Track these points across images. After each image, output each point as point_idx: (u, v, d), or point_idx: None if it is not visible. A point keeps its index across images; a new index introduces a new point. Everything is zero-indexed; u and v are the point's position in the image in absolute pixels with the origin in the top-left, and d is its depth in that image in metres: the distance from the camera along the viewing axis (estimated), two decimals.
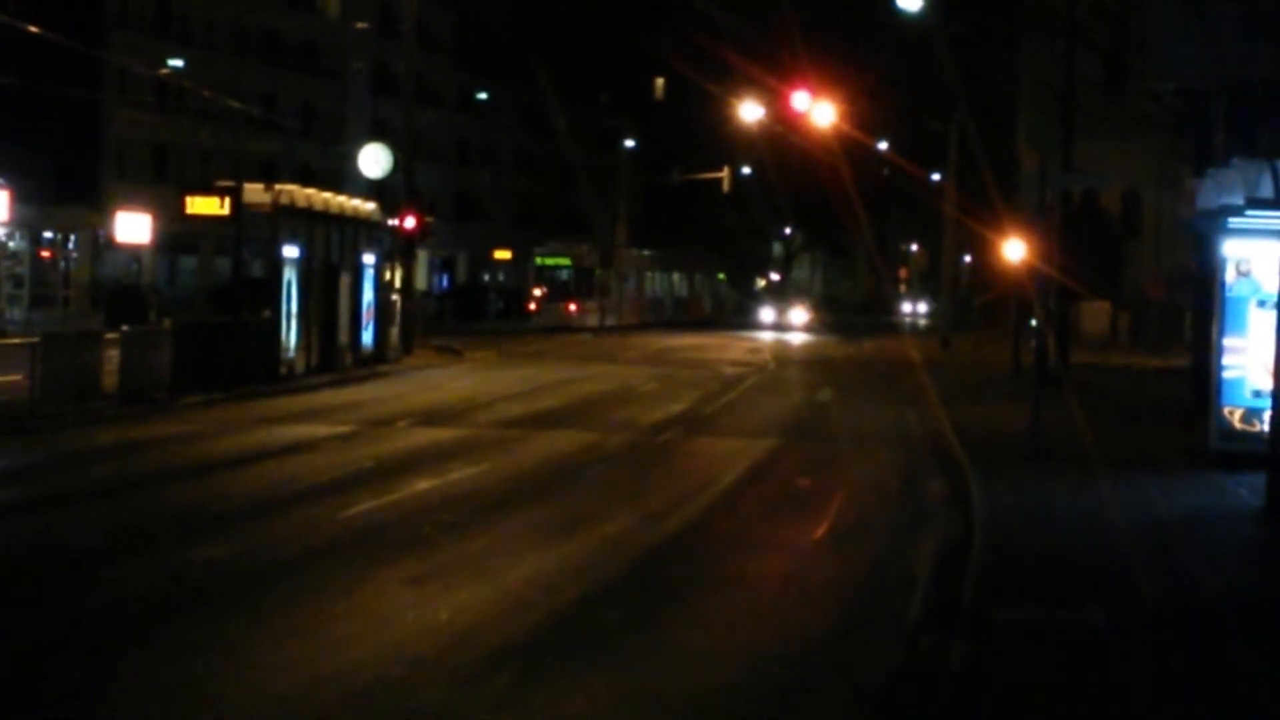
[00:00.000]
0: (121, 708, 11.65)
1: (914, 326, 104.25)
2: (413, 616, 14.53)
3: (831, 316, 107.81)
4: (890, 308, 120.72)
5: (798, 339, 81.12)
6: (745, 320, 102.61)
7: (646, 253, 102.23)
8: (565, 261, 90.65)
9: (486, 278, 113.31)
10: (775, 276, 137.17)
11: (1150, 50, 22.46)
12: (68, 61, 58.82)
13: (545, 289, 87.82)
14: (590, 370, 49.11)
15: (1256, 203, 23.14)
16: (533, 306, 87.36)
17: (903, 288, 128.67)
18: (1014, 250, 31.14)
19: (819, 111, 58.90)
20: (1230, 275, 24.49)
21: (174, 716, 11.51)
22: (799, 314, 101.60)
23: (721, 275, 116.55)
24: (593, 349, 63.65)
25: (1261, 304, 23.88)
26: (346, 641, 13.62)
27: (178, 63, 72.82)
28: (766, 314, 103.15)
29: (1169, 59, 21.98)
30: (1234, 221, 24.14)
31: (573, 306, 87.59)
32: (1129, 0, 25.03)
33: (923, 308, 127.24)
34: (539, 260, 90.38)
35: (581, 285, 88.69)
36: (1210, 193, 25.70)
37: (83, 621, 14.32)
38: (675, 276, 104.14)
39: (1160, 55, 22.59)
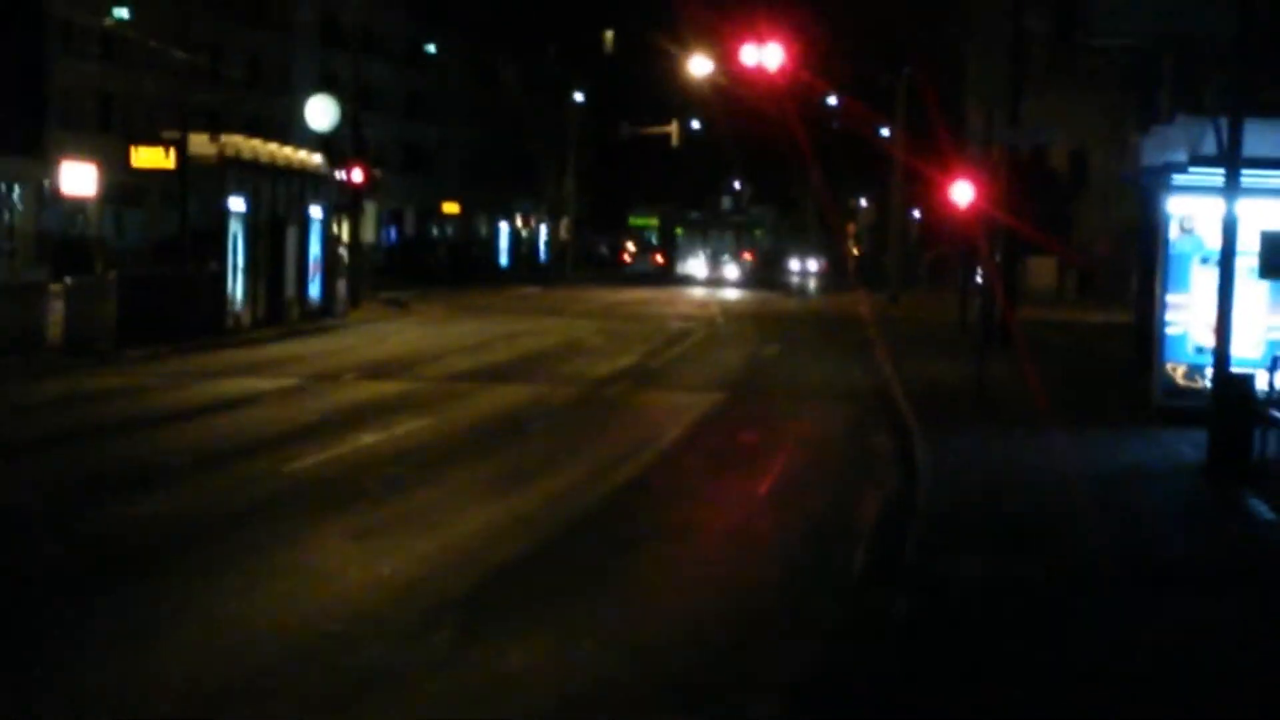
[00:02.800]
0: (58, 663, 11.58)
1: (802, 289, 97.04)
2: (355, 571, 14.52)
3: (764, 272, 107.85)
4: (775, 266, 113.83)
5: (740, 294, 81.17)
6: (680, 275, 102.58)
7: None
8: (653, 222, 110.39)
9: (435, 231, 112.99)
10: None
11: (1095, 6, 22.46)
12: (9, 12, 58.42)
13: (635, 243, 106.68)
14: (538, 324, 49.07)
15: (1200, 160, 23.22)
16: (627, 259, 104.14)
17: (850, 243, 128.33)
18: (961, 193, 31.10)
19: (769, 56, 58.66)
20: (1173, 232, 24.61)
21: (110, 672, 11.46)
22: (732, 269, 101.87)
23: (758, 231, 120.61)
24: (541, 303, 63.61)
25: (1204, 261, 24.00)
26: (288, 596, 13.61)
27: (123, 12, 72.22)
28: (697, 268, 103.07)
29: (1114, 14, 21.99)
30: (1177, 179, 24.24)
31: (659, 258, 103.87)
32: None
33: (813, 265, 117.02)
34: (631, 220, 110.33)
35: (665, 241, 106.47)
36: (1154, 150, 25.75)
37: (21, 575, 14.27)
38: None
39: (1105, 11, 22.62)
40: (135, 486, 18.69)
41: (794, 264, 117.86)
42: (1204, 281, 23.64)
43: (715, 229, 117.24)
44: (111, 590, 13.72)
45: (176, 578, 14.23)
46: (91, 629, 12.47)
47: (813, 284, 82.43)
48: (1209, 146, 22.22)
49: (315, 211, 46.11)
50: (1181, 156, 23.79)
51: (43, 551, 15.25)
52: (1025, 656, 11.95)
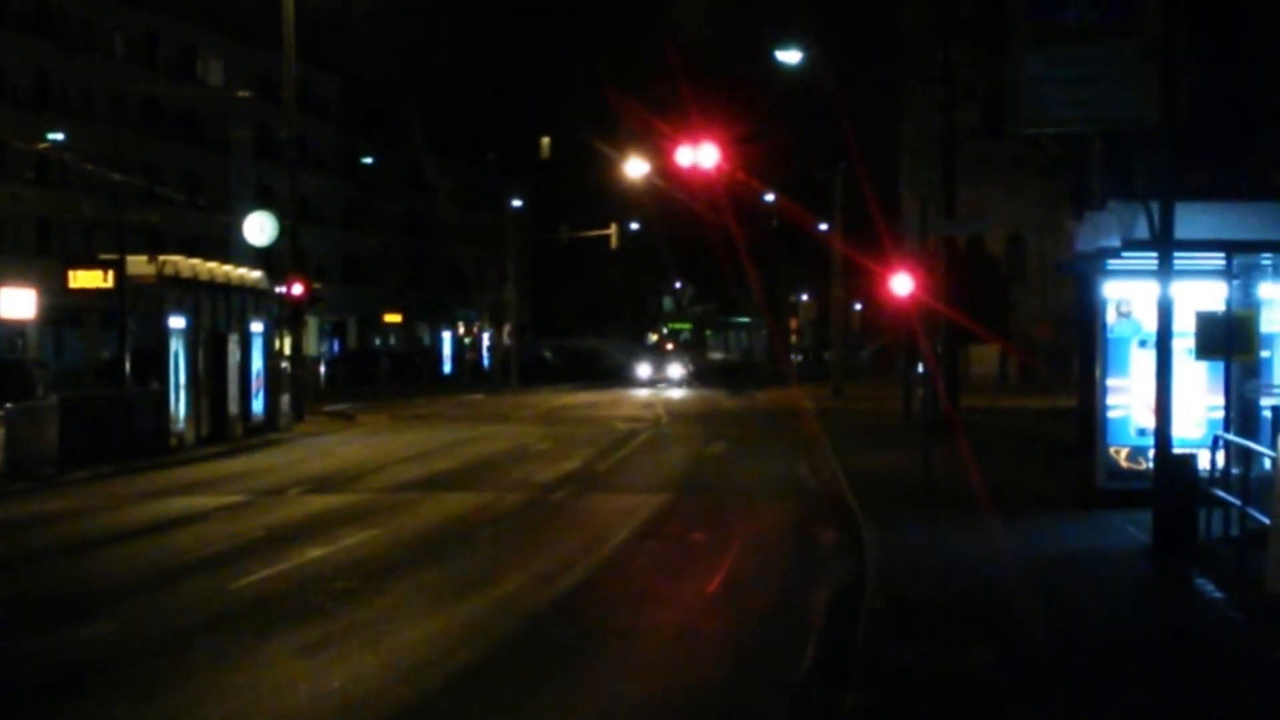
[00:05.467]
0: None
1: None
2: (304, 687, 14.42)
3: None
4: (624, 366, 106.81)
5: (684, 393, 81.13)
6: (626, 377, 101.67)
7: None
8: (687, 325, 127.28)
9: (377, 341, 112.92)
10: (667, 331, 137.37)
11: (1023, 96, 22.69)
12: None
13: (673, 344, 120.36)
14: (483, 431, 49.00)
15: (1133, 244, 23.39)
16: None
17: (794, 338, 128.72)
18: (900, 285, 31.31)
19: (704, 157, 59.03)
20: (1111, 316, 24.78)
21: None
22: (676, 369, 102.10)
23: (765, 330, 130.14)
24: (486, 410, 63.52)
25: (1142, 344, 24.15)
26: (236, 716, 13.51)
27: (57, 136, 72.28)
28: (643, 370, 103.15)
29: (1040, 108, 22.20)
30: (1112, 263, 24.42)
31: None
32: (1003, 47, 25.37)
33: (676, 371, 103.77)
34: (669, 325, 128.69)
35: (698, 341, 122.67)
36: (1088, 235, 25.95)
37: None
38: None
39: (1033, 101, 22.83)
40: (79, 609, 18.53)
41: (642, 370, 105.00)
42: (1143, 364, 23.79)
43: (732, 330, 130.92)
44: (54, 715, 13.57)
45: (121, 700, 14.09)
46: None
47: (675, 392, 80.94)
48: (1141, 230, 22.41)
49: (257, 327, 46.07)
50: (1115, 241, 23.97)
51: None
52: None
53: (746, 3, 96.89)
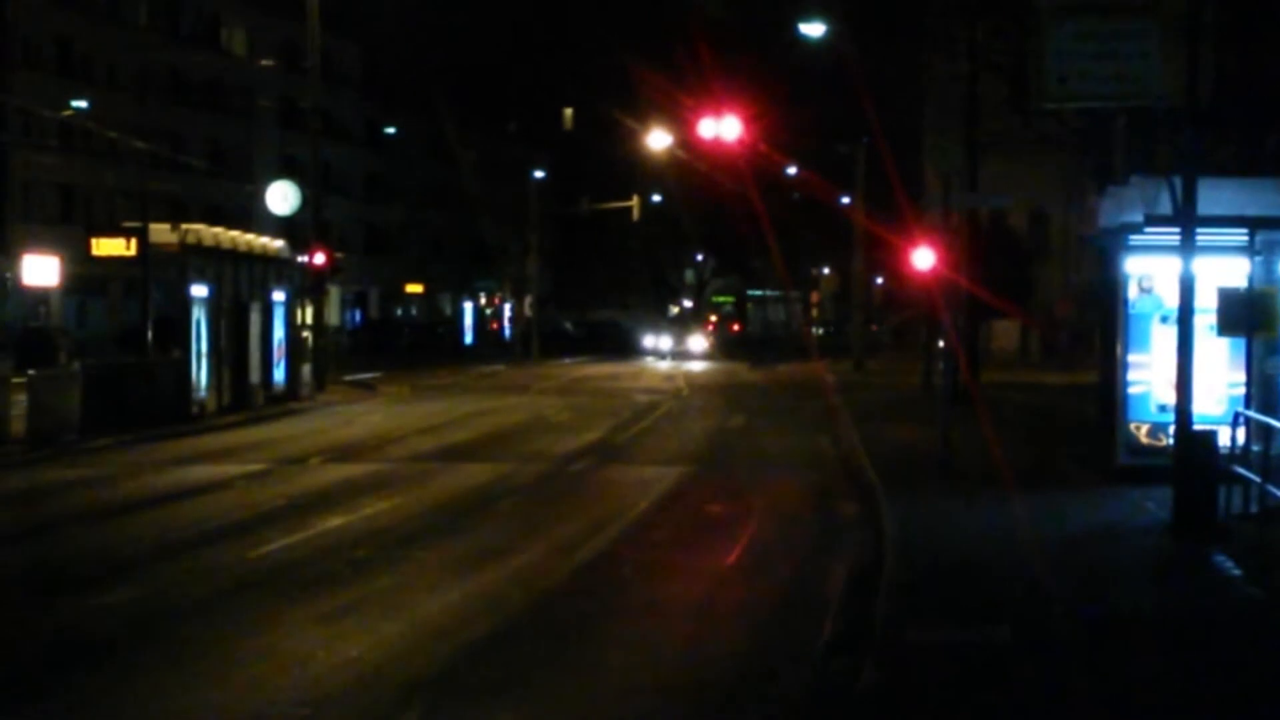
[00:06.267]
0: None
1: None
2: (323, 655, 14.47)
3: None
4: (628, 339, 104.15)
5: (705, 366, 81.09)
6: (647, 349, 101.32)
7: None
8: (730, 298, 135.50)
9: (399, 312, 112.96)
10: (688, 304, 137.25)
11: (1047, 71, 22.65)
12: None
13: (716, 316, 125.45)
14: (503, 402, 49.03)
15: (1155, 219, 23.36)
16: (709, 327, 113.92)
17: (814, 312, 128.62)
18: (922, 259, 31.20)
19: (727, 129, 58.83)
20: (1132, 292, 24.75)
21: None
22: (698, 341, 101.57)
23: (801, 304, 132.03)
24: (506, 381, 63.57)
25: (1164, 320, 24.13)
26: (256, 683, 13.56)
27: (81, 104, 72.35)
28: (664, 342, 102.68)
29: (1064, 83, 22.16)
30: (1134, 239, 24.39)
31: (735, 326, 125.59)
32: (1028, 22, 25.32)
33: (697, 343, 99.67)
34: (712, 297, 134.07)
35: (739, 313, 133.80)
36: (1111, 210, 25.87)
37: None
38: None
39: (1057, 76, 22.80)
40: (100, 576, 18.63)
41: (649, 340, 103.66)
42: (1164, 340, 23.75)
43: (774, 303, 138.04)
44: (77, 680, 13.64)
45: (142, 666, 14.16)
46: None
47: (696, 365, 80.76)
48: (1164, 206, 22.36)
49: (278, 296, 46.06)
50: (1138, 217, 23.92)
51: (5, 643, 15.17)
52: None
53: None
